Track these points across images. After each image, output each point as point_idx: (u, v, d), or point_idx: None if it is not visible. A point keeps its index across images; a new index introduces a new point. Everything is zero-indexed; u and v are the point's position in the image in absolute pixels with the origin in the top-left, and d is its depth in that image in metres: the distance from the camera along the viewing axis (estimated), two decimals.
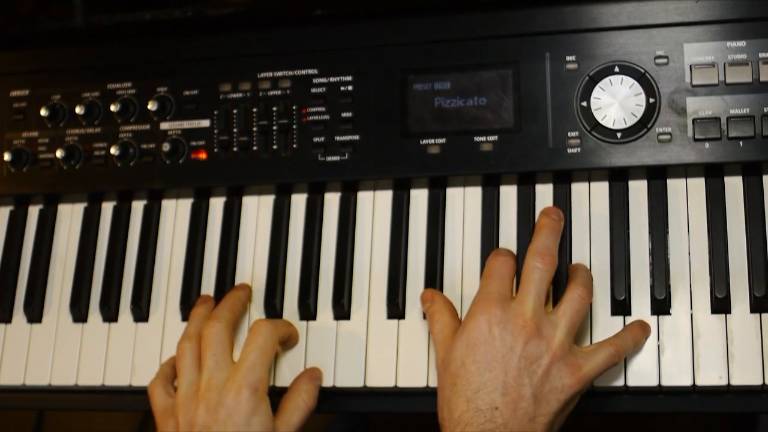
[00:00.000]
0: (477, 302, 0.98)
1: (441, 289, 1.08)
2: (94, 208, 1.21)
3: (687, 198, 1.06)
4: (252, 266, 1.15)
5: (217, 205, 1.18)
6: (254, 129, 1.15)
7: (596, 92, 1.07)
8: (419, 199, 1.13)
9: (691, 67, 1.05)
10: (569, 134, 1.07)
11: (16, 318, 1.20)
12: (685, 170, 1.07)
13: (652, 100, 1.06)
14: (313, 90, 1.14)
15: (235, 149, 1.15)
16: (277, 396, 1.06)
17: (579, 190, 1.09)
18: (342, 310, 1.10)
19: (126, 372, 1.14)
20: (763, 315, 1.01)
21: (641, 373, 1.01)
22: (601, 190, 1.09)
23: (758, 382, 0.99)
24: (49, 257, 1.21)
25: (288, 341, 1.09)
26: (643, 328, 1.01)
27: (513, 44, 1.09)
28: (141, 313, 1.15)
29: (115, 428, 1.95)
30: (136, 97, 1.18)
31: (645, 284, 1.04)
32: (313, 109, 1.13)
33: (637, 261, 1.05)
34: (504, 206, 1.10)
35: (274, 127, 1.14)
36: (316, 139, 1.13)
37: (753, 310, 1.01)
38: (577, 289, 0.98)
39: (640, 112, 1.06)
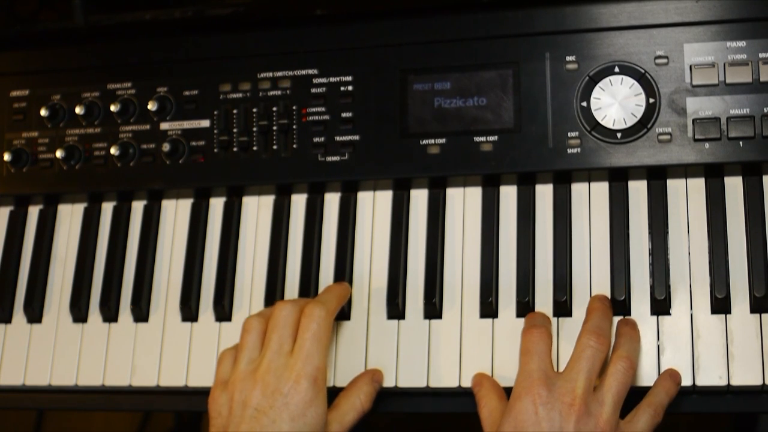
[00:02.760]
0: (519, 382, 0.96)
1: (441, 289, 1.08)
2: (94, 208, 1.21)
3: (687, 198, 1.06)
4: (252, 266, 1.15)
5: (217, 205, 1.18)
6: (254, 129, 1.15)
7: (596, 92, 1.07)
8: (419, 199, 1.13)
9: (691, 67, 1.05)
10: (569, 134, 1.07)
11: (16, 318, 1.20)
12: (685, 170, 1.07)
13: (652, 100, 1.06)
14: (313, 90, 1.14)
15: (235, 149, 1.15)
16: None
17: (579, 190, 1.09)
18: (342, 310, 1.10)
19: (126, 372, 1.14)
20: (763, 315, 1.01)
21: (641, 373, 1.01)
22: (601, 190, 1.09)
23: (758, 382, 0.99)
24: (49, 257, 1.21)
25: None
26: (672, 377, 1.00)
27: (513, 44, 1.09)
28: (141, 313, 1.15)
29: (115, 428, 1.95)
30: (136, 97, 1.18)
31: (645, 284, 1.04)
32: (313, 109, 1.13)
33: (637, 261, 1.05)
34: (504, 206, 1.10)
35: (274, 127, 1.14)
36: (316, 139, 1.13)
37: (753, 310, 1.01)
38: (621, 361, 0.96)
39: (640, 112, 1.06)
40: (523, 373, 0.96)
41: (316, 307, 1.01)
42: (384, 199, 1.14)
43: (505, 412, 0.95)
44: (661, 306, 1.02)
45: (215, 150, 1.15)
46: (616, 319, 1.03)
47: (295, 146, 1.13)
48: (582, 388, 0.93)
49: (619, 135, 1.06)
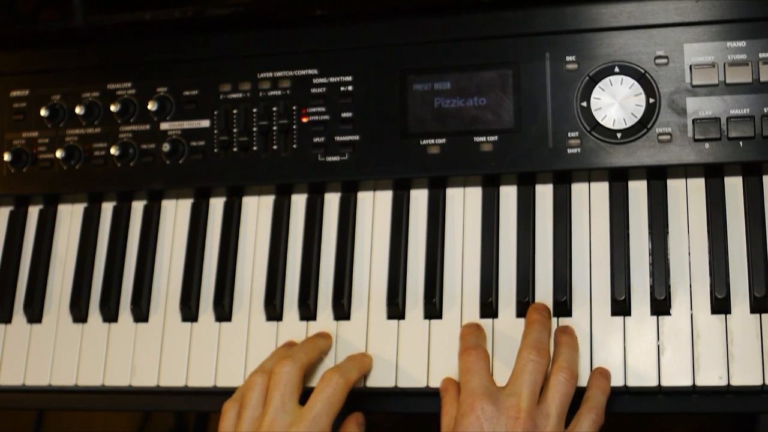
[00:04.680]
0: (463, 400, 0.96)
1: (441, 289, 1.08)
2: (94, 208, 1.21)
3: (687, 198, 1.06)
4: (252, 266, 1.15)
5: (217, 205, 1.18)
6: (254, 129, 1.15)
7: (596, 92, 1.07)
8: (419, 199, 1.13)
9: (691, 67, 1.05)
10: (569, 134, 1.07)
11: (16, 318, 1.20)
12: (685, 170, 1.07)
13: (652, 101, 1.06)
14: (313, 90, 1.14)
15: (235, 149, 1.15)
16: None
17: (579, 190, 1.09)
18: (342, 310, 1.10)
19: (126, 372, 1.14)
20: (763, 315, 1.01)
21: (641, 373, 1.01)
22: (601, 190, 1.09)
23: (758, 382, 0.99)
24: (49, 257, 1.21)
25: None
26: (603, 375, 1.01)
27: (513, 44, 1.09)
28: (141, 313, 1.15)
29: (115, 428, 1.95)
30: (136, 97, 1.18)
31: (645, 284, 1.04)
32: (313, 109, 1.13)
33: (637, 261, 1.05)
34: (504, 206, 1.10)
35: (274, 127, 1.14)
36: (316, 139, 1.13)
37: (753, 310, 1.01)
38: (562, 372, 0.97)
39: (640, 112, 1.06)
40: (465, 391, 0.96)
41: (336, 374, 1.00)
42: (384, 199, 1.14)
43: (453, 428, 0.95)
44: (661, 306, 1.02)
45: (215, 150, 1.15)
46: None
47: (295, 146, 1.13)
48: (527, 402, 0.94)
49: (619, 135, 1.06)
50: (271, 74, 1.15)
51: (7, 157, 1.20)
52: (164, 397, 1.14)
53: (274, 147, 1.14)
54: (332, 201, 1.15)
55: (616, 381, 1.02)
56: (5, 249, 1.22)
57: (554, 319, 1.05)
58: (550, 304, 1.05)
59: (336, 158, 1.12)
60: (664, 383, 1.01)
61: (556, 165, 1.07)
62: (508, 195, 1.11)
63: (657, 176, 1.07)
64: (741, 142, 1.03)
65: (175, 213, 1.19)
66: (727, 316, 1.01)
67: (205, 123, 1.16)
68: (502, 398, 0.95)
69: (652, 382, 1.01)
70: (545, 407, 0.95)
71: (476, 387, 0.96)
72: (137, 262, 1.18)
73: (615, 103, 1.06)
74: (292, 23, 1.17)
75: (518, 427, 0.92)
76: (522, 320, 1.05)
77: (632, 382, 1.01)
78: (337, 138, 1.12)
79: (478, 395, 0.94)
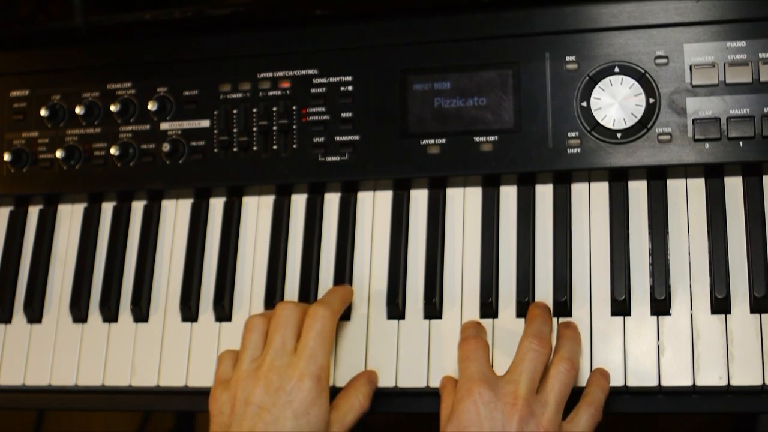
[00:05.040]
0: (461, 385, 0.96)
1: (441, 290, 1.08)
2: (94, 208, 1.21)
3: (687, 198, 1.06)
4: (252, 266, 1.15)
5: (217, 205, 1.18)
6: (254, 129, 1.15)
7: (596, 92, 1.07)
8: (419, 199, 1.13)
9: (691, 67, 1.05)
10: (569, 134, 1.07)
11: (16, 318, 1.20)
12: (685, 170, 1.07)
13: (652, 101, 1.06)
14: (313, 90, 1.14)
15: (235, 149, 1.15)
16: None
17: (579, 190, 1.09)
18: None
19: (126, 372, 1.14)
20: (763, 315, 1.01)
21: (641, 373, 1.01)
22: (601, 190, 1.09)
23: (758, 382, 0.99)
24: (49, 257, 1.21)
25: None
26: (603, 375, 1.01)
27: (513, 44, 1.09)
28: (141, 313, 1.15)
29: (115, 428, 1.95)
30: (136, 97, 1.18)
31: (645, 284, 1.04)
32: (313, 109, 1.14)
33: (637, 261, 1.05)
34: (504, 206, 1.10)
35: (274, 127, 1.14)
36: (316, 139, 1.13)
37: (753, 310, 1.01)
38: (563, 362, 0.98)
39: (640, 112, 1.06)
40: (463, 377, 0.97)
41: (321, 307, 1.01)
42: (384, 199, 1.14)
43: (450, 414, 0.95)
44: (661, 306, 1.02)
45: (215, 150, 1.15)
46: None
47: (295, 146, 1.13)
48: (525, 389, 0.94)
49: (619, 135, 1.06)
50: (271, 74, 1.15)
51: (7, 157, 1.20)
52: (164, 397, 1.14)
53: (274, 147, 1.14)
54: (332, 201, 1.15)
55: (616, 381, 1.02)
56: (5, 249, 1.22)
57: (554, 320, 1.05)
58: (550, 304, 1.05)
59: (336, 158, 1.12)
60: (664, 383, 1.01)
61: (556, 165, 1.07)
62: (508, 195, 1.11)
63: (657, 176, 1.07)
64: (741, 142, 1.03)
65: (175, 213, 1.19)
66: (727, 316, 1.01)
67: (205, 123, 1.16)
68: (501, 385, 0.95)
69: (652, 382, 1.01)
70: (544, 396, 0.95)
71: (474, 373, 0.96)
72: (137, 262, 1.18)
73: (615, 103, 1.06)
74: (292, 23, 1.17)
75: (515, 413, 0.92)
76: (522, 320, 1.05)
77: (632, 382, 1.01)
78: (337, 138, 1.12)
79: (476, 380, 0.95)
